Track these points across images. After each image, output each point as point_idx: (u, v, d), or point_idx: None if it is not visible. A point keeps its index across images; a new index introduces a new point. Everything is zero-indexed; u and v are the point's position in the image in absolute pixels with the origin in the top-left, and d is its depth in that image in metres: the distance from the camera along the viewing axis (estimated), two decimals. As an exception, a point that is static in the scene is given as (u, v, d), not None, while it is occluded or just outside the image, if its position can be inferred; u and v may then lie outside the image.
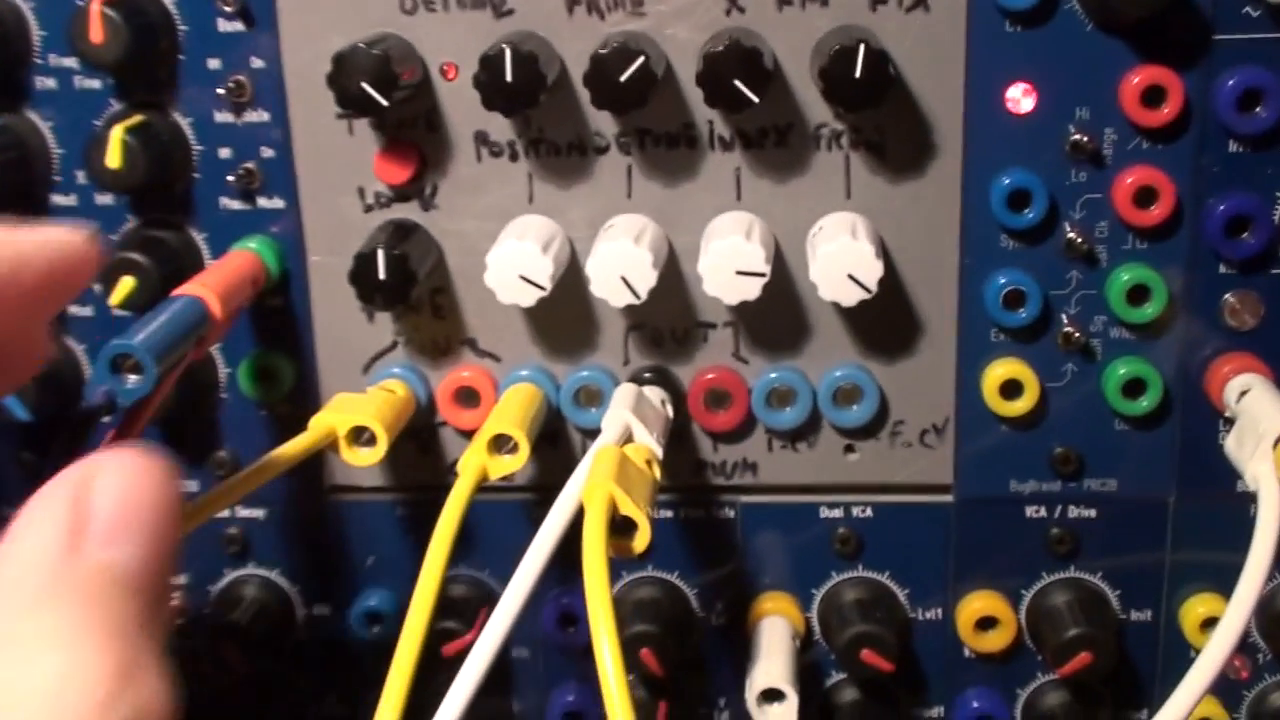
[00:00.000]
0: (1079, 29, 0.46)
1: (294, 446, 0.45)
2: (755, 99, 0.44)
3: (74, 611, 0.24)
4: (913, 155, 0.48)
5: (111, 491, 0.26)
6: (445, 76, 0.48)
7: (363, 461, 0.47)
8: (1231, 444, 0.47)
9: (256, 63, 0.49)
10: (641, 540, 0.41)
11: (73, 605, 0.24)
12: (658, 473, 0.44)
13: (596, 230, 0.49)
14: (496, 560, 0.55)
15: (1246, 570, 0.42)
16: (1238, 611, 0.41)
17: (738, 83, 0.44)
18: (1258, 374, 0.48)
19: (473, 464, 0.46)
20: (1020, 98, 0.47)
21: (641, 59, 0.44)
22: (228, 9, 0.48)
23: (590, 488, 0.41)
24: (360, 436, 0.47)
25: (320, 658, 0.56)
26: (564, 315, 0.51)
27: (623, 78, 0.44)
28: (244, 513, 0.55)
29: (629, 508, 0.40)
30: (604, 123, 0.49)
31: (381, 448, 0.47)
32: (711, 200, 0.49)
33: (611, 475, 0.41)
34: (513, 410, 0.48)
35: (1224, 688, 0.53)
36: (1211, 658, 0.41)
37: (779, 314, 0.50)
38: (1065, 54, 0.46)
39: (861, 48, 0.43)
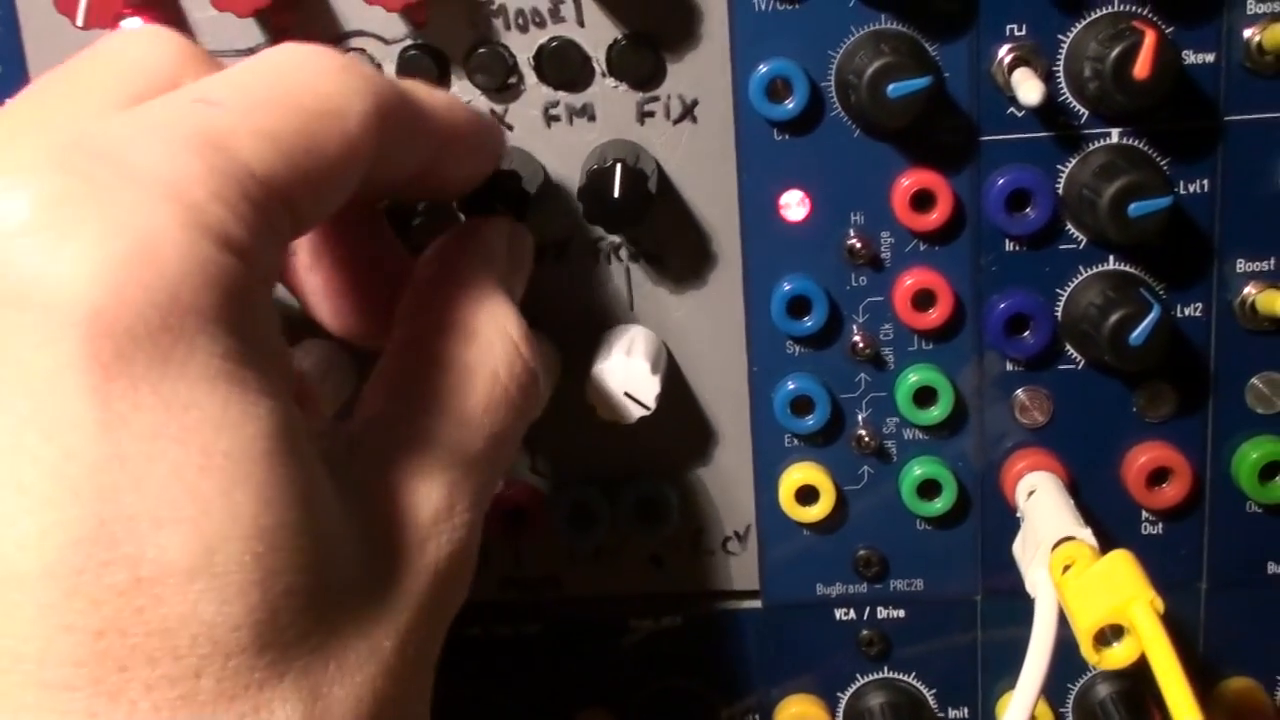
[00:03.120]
0: (846, 135, 0.46)
1: None
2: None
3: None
4: (693, 265, 0.48)
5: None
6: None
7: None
8: (1017, 547, 0.47)
9: None
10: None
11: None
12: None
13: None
14: None
15: (1022, 677, 0.41)
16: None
17: (500, 207, 0.43)
18: (1048, 471, 0.48)
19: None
20: (794, 204, 0.47)
21: (400, 186, 0.43)
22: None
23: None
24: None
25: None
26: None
27: (382, 205, 0.44)
28: None
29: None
30: (383, 244, 0.48)
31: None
32: (497, 317, 0.48)
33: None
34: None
35: (1049, 783, 0.53)
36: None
37: (573, 427, 0.50)
38: (835, 160, 0.46)
39: (618, 168, 0.43)
